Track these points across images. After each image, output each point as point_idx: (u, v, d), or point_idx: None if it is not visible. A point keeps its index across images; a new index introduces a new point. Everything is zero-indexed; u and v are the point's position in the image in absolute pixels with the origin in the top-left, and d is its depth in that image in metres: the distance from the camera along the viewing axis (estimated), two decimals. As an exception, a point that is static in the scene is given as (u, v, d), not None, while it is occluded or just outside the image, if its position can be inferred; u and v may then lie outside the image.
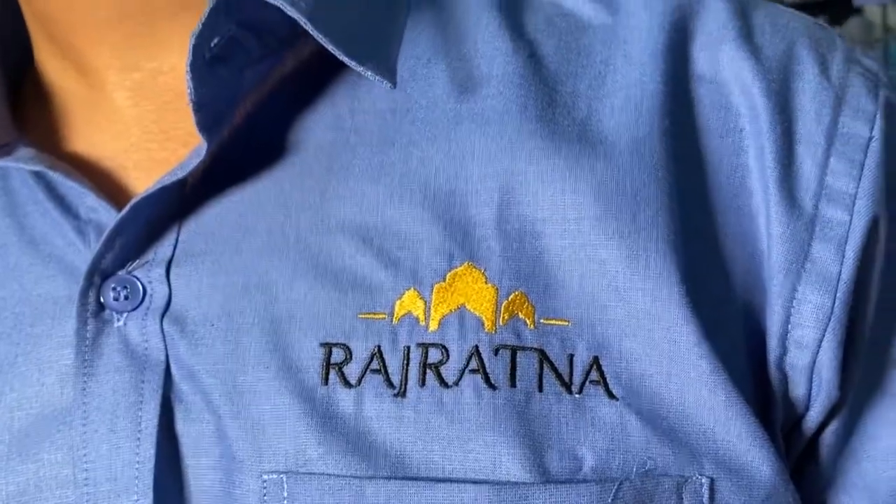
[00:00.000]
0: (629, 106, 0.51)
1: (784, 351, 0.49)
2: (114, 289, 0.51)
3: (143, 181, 0.54)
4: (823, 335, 0.48)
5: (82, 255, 0.53)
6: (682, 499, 0.46)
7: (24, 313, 0.53)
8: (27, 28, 0.58)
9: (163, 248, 0.52)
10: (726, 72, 0.52)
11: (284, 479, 0.46)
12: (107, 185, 0.54)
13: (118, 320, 0.51)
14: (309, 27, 0.48)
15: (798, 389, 0.50)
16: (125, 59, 0.54)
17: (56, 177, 0.53)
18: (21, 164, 0.53)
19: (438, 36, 0.54)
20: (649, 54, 0.52)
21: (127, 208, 0.50)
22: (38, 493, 0.49)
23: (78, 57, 0.55)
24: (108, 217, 0.52)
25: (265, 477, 0.46)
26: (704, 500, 0.46)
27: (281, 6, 0.47)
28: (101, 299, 0.51)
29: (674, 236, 0.48)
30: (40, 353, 0.52)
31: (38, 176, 0.55)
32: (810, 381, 0.49)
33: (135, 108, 0.55)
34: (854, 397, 0.51)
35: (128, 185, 0.55)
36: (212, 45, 0.48)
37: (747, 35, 0.53)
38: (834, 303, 0.48)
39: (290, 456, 0.46)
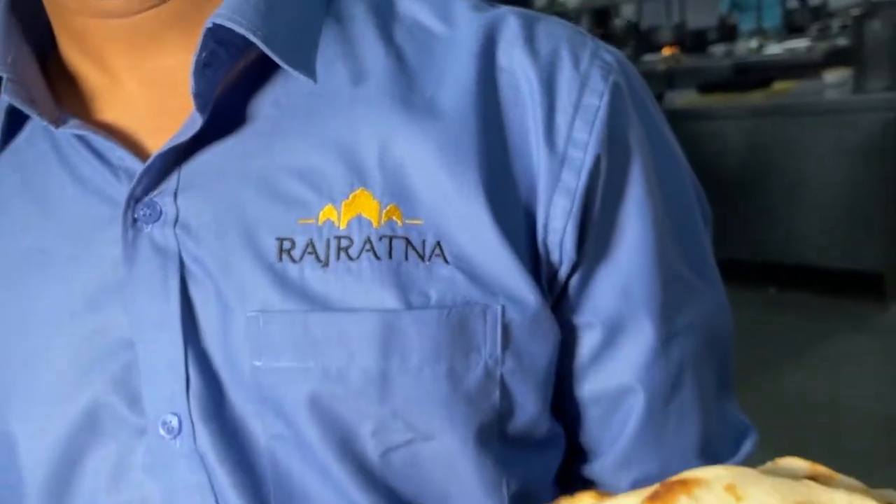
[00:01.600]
0: (457, 89, 0.88)
1: (546, 234, 0.89)
2: (142, 209, 0.86)
3: (151, 141, 0.89)
4: (567, 224, 0.88)
5: (118, 189, 0.87)
6: (486, 318, 0.86)
7: (83, 225, 0.87)
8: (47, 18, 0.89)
9: (170, 184, 0.87)
10: (517, 65, 0.90)
11: (260, 316, 0.83)
12: (127, 144, 0.88)
13: (147, 229, 0.86)
14: (261, 45, 0.83)
15: (553, 255, 0.89)
16: (134, 59, 0.87)
17: (95, 138, 0.87)
18: (72, 131, 0.86)
19: (339, 44, 0.90)
20: (470, 55, 0.89)
21: (150, 159, 0.85)
22: (105, 332, 0.85)
23: (97, 57, 0.88)
24: (133, 165, 0.86)
25: (248, 315, 0.83)
26: (498, 317, 0.86)
27: (245, 34, 0.82)
28: (135, 216, 0.86)
29: (482, 168, 0.86)
30: (98, 250, 0.86)
31: (80, 138, 0.88)
32: (560, 250, 0.89)
33: (142, 93, 0.89)
34: (587, 261, 0.92)
35: (141, 144, 0.89)
36: (202, 56, 0.82)
37: (530, 41, 0.91)
38: (573, 205, 0.88)
39: (262, 302, 0.84)
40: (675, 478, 0.67)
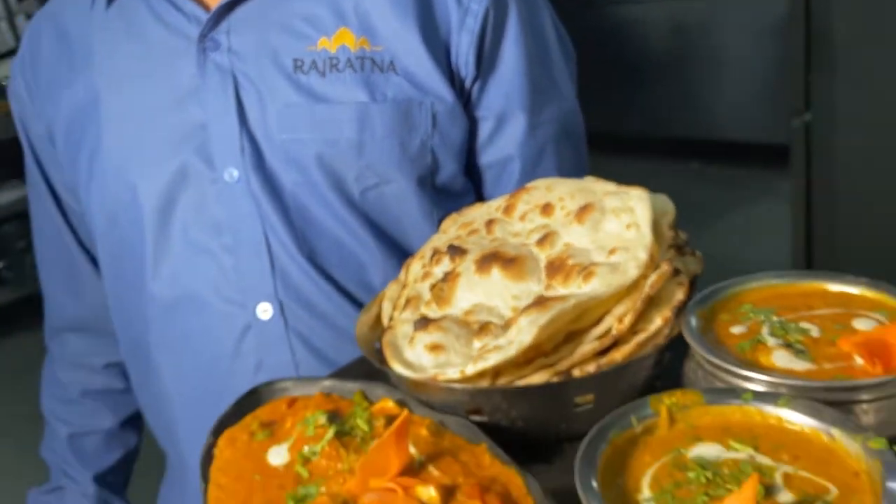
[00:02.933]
0: None
1: (457, 57, 1.50)
2: (208, 42, 1.45)
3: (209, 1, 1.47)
4: (469, 51, 1.49)
5: (191, 29, 1.46)
6: (422, 109, 1.47)
7: (168, 52, 1.46)
8: None
9: (224, 26, 1.46)
10: None
11: (284, 108, 1.44)
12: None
13: (212, 55, 1.45)
14: None
15: (462, 71, 1.51)
16: None
17: None
18: None
19: None
20: None
21: (213, 10, 1.43)
22: (188, 120, 1.45)
23: None
24: (200, 13, 1.45)
25: (277, 107, 1.44)
26: (429, 109, 1.47)
27: None
28: (204, 46, 1.45)
29: (418, 14, 1.46)
30: (180, 68, 1.45)
31: None
32: (466, 68, 1.50)
33: None
34: (482, 75, 1.53)
35: (203, 0, 1.47)
36: None
37: None
38: (472, 39, 1.49)
39: (285, 98, 1.44)
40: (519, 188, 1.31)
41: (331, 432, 0.97)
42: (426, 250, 1.35)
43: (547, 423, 1.06)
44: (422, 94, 1.43)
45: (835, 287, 1.13)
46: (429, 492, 0.88)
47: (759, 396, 0.90)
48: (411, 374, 1.07)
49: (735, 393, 0.91)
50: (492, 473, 0.93)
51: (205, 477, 0.93)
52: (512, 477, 0.92)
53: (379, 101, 1.41)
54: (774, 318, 1.08)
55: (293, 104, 1.41)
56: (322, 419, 1.00)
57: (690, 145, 6.85)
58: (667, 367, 1.10)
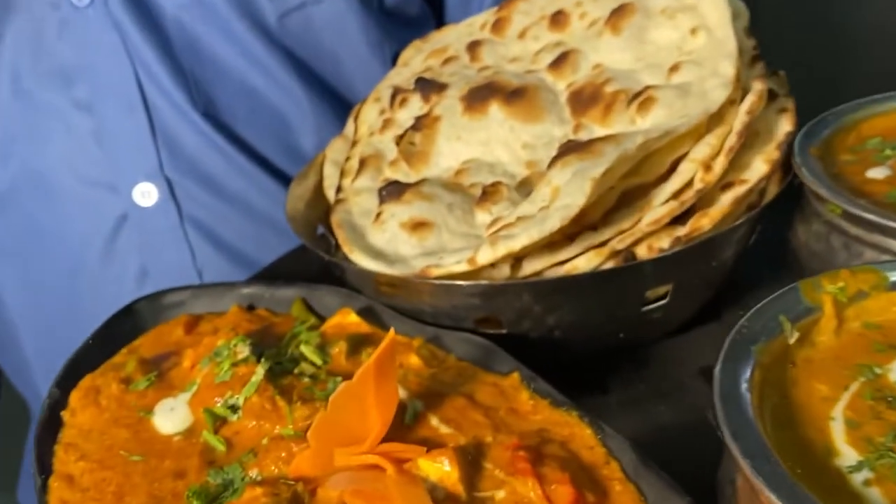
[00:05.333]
0: None
1: None
2: None
3: None
4: None
5: None
6: None
7: None
8: None
9: None
10: None
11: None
12: None
13: None
14: None
15: None
16: None
17: None
18: None
19: None
20: None
21: None
22: None
23: None
24: None
25: None
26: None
27: None
28: None
29: None
30: None
31: None
32: None
33: None
34: None
35: None
36: None
37: None
38: None
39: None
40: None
41: (259, 371, 0.62)
42: (383, 90, 0.98)
43: (599, 333, 0.73)
44: None
45: None
46: (440, 465, 0.54)
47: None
48: (385, 269, 0.71)
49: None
50: (538, 422, 0.59)
51: (41, 465, 0.57)
52: (571, 426, 0.58)
53: None
54: (925, 154, 0.76)
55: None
56: (243, 349, 0.65)
57: None
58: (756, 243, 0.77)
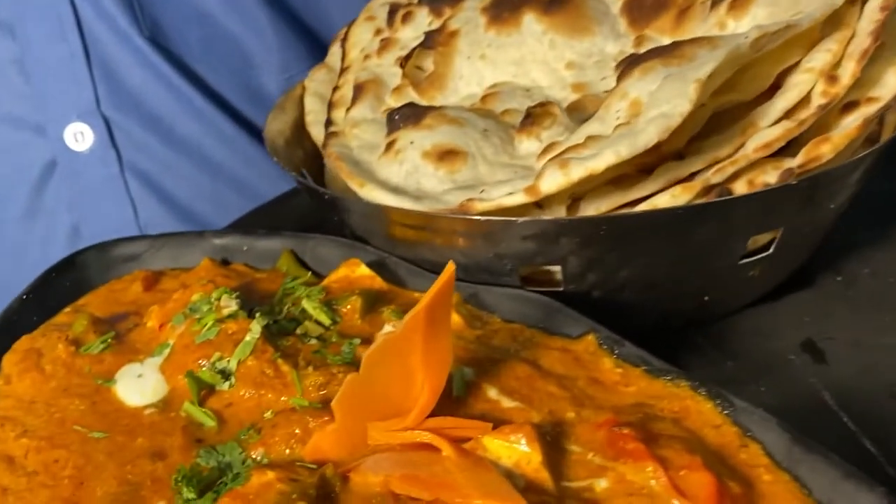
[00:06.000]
0: None
1: None
2: None
3: None
4: None
5: None
6: None
7: None
8: None
9: None
10: None
11: None
12: None
13: None
14: None
15: None
16: None
17: None
18: None
19: None
20: None
21: None
22: None
23: None
24: None
25: None
26: None
27: None
28: None
29: None
30: None
31: None
32: None
33: None
34: None
35: None
36: None
37: None
38: None
39: None
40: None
41: (256, 328, 0.50)
42: (376, 8, 0.87)
43: (679, 293, 0.63)
44: None
45: None
46: (516, 445, 0.43)
47: None
48: (410, 205, 0.59)
49: None
50: (632, 395, 0.49)
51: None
52: (682, 398, 0.48)
53: None
54: None
55: None
56: (230, 303, 0.54)
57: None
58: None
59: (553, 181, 0.55)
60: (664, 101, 0.55)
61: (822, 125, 0.64)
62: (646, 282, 0.61)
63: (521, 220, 0.56)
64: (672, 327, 0.66)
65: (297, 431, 0.46)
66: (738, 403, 0.47)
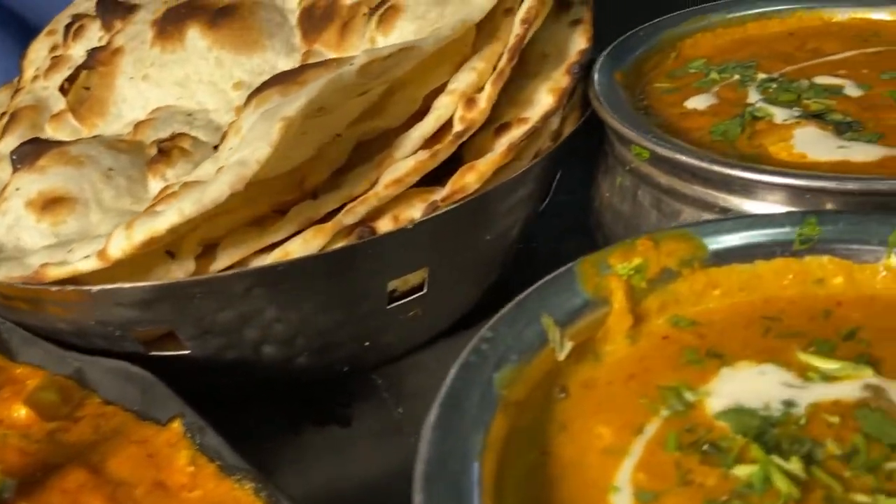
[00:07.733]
0: None
1: None
2: None
3: None
4: None
5: None
6: None
7: None
8: None
9: None
10: None
11: None
12: None
13: None
14: None
15: None
16: None
17: None
18: None
19: None
20: None
21: None
22: None
23: None
24: None
25: None
26: None
27: None
28: None
29: None
30: None
31: None
32: None
33: None
34: None
35: None
36: None
37: None
38: None
39: None
40: None
41: None
42: (62, 20, 0.77)
43: (328, 345, 0.55)
44: None
45: (846, 13, 0.68)
46: None
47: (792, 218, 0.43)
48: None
49: (771, 220, 0.43)
50: (199, 503, 0.41)
51: None
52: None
53: None
54: (761, 77, 0.61)
55: None
56: None
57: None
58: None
59: (117, 245, 0.46)
60: (247, 145, 0.47)
61: (481, 148, 0.57)
62: (283, 337, 0.53)
63: (95, 288, 0.47)
64: (339, 375, 0.59)
65: None
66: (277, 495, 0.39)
